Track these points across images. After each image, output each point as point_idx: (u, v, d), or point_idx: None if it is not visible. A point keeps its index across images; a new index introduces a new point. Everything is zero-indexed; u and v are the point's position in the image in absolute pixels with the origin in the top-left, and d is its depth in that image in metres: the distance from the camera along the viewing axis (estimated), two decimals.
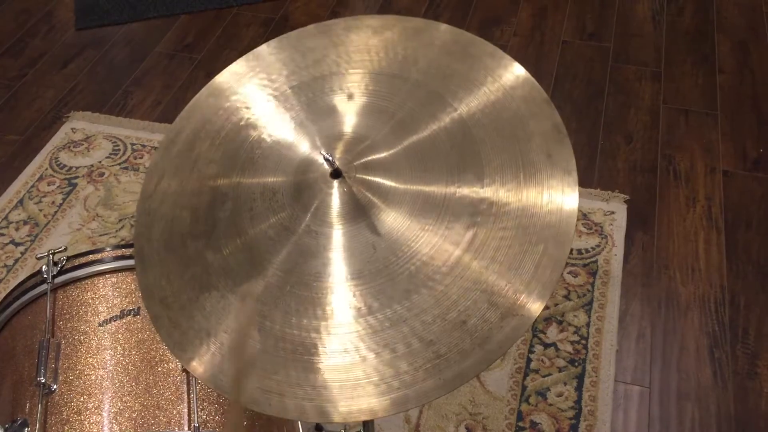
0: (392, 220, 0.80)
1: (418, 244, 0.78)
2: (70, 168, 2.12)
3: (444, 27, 0.96)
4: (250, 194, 0.87)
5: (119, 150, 2.17)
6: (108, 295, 1.10)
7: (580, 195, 1.98)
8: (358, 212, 0.81)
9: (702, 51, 2.39)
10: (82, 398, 0.99)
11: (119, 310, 1.08)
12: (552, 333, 1.68)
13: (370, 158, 0.85)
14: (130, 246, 1.14)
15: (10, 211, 2.01)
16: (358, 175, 0.84)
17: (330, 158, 0.81)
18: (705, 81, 2.29)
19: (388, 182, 0.83)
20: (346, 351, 0.74)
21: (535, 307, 0.73)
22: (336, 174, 0.83)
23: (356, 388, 0.72)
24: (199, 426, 0.98)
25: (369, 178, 0.83)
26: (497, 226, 0.78)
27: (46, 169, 2.13)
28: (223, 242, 0.84)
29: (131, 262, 1.12)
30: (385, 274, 0.77)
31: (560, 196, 0.78)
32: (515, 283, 0.74)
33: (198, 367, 0.78)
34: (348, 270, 0.78)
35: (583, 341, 1.66)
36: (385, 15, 1.00)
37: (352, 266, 0.78)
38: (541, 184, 0.80)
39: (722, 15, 2.52)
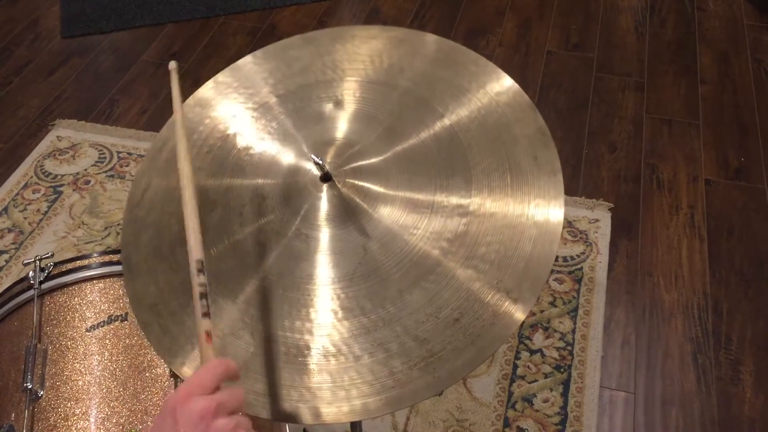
0: (382, 222, 0.81)
1: (408, 245, 0.79)
2: (56, 176, 2.11)
3: (428, 36, 0.97)
4: (240, 199, 0.87)
5: (105, 158, 2.16)
6: (95, 301, 1.10)
7: (565, 203, 2.01)
8: (348, 215, 0.82)
9: (684, 62, 2.43)
10: (69, 404, 0.99)
11: (107, 315, 1.08)
12: (538, 339, 1.69)
13: (359, 163, 0.86)
14: (118, 252, 1.13)
15: None
16: (347, 180, 0.84)
17: (320, 162, 0.81)
18: (687, 91, 2.32)
19: (378, 186, 0.84)
20: (339, 352, 0.74)
21: (526, 303, 0.74)
22: (326, 178, 0.84)
23: (350, 389, 0.72)
24: None
25: (358, 182, 0.84)
26: (486, 227, 0.79)
27: (31, 177, 2.11)
28: (213, 247, 0.84)
29: (119, 267, 1.12)
30: (376, 275, 0.78)
31: (547, 197, 0.80)
32: (505, 281, 0.75)
33: (189, 371, 0.78)
34: (339, 272, 0.79)
35: (569, 347, 1.67)
36: (371, 25, 1.01)
37: (343, 268, 0.79)
38: (528, 186, 0.81)
39: (704, 27, 2.56)
